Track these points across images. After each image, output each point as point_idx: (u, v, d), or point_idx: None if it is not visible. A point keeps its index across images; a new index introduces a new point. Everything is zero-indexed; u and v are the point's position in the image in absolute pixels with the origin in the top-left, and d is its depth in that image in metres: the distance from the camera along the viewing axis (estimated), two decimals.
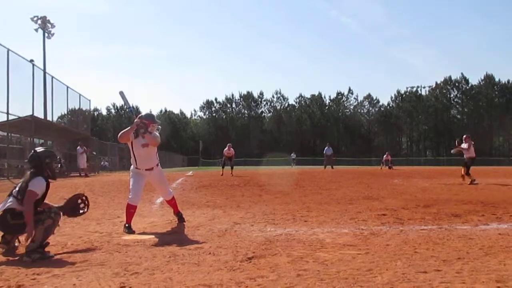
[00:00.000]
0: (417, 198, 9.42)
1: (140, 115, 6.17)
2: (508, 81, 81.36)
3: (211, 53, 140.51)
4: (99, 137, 46.74)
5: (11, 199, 4.46)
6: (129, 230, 5.74)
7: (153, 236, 5.39)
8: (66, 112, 29.42)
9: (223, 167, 23.31)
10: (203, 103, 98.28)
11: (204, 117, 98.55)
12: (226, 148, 23.34)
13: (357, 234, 5.33)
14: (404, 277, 3.38)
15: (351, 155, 73.00)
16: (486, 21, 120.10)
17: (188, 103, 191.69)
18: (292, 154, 55.42)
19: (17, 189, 4.51)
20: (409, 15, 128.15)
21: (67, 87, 27.86)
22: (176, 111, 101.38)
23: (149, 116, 6.29)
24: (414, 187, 13.32)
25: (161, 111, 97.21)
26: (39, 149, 4.88)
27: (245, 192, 11.51)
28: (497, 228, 5.68)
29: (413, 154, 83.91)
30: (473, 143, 15.14)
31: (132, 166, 6.23)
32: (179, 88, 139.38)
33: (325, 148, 35.30)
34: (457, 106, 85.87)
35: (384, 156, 39.86)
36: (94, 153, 30.88)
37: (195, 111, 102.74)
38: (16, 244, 4.61)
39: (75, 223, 6.53)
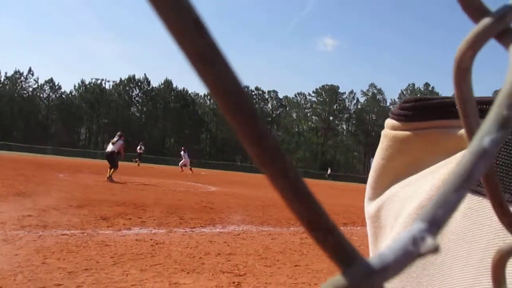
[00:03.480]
0: (73, 197, 9.21)
1: None
2: (183, 89, 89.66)
3: None
4: None
5: None
6: None
7: None
8: None
9: None
10: None
11: None
12: None
13: None
14: None
15: (23, 141, 67.32)
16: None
17: None
18: None
19: None
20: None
21: None
22: None
23: None
24: (77, 183, 13.05)
25: None
26: None
27: None
28: (137, 234, 6.01)
29: (91, 146, 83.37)
30: (122, 142, 16.16)
31: None
32: None
33: None
34: (137, 104, 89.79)
35: None
36: None
37: None
38: None
39: None
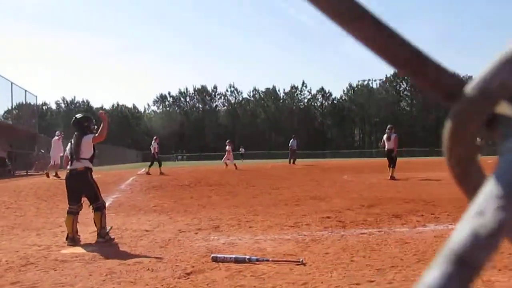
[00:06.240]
0: (362, 197, 9.65)
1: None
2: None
3: (163, 44, 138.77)
4: (48, 133, 45.13)
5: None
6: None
7: (94, 249, 5.27)
8: (10, 108, 28.35)
9: (151, 166, 21.02)
10: (156, 97, 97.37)
11: (158, 111, 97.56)
12: (153, 141, 21.25)
13: (299, 241, 5.41)
14: None
15: (305, 148, 73.98)
16: (440, 15, 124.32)
17: (141, 98, 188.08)
18: (240, 149, 54.19)
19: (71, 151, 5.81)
20: None
21: (12, 83, 26.76)
22: (129, 105, 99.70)
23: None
24: (362, 184, 13.63)
25: (112, 105, 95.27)
26: (79, 115, 6.11)
27: (194, 194, 11.43)
28: (433, 230, 5.90)
29: (365, 146, 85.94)
30: (395, 135, 15.76)
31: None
32: (131, 82, 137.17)
33: (291, 141, 30.74)
34: (406, 98, 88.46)
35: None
36: (42, 151, 29.85)
37: (148, 105, 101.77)
38: (79, 236, 5.63)
39: (13, 234, 6.31)
